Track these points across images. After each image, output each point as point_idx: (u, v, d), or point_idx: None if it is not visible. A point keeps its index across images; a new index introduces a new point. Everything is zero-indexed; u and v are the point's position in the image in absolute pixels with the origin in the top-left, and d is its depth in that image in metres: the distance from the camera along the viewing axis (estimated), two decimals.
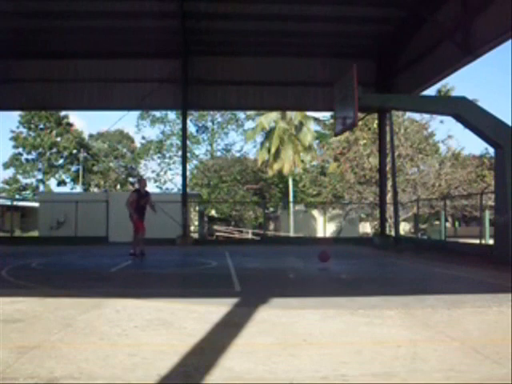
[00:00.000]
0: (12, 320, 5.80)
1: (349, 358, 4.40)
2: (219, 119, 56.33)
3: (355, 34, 22.02)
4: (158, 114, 55.56)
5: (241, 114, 55.70)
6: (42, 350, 4.58)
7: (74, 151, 59.12)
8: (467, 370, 4.05)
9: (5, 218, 36.79)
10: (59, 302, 7.07)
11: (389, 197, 26.72)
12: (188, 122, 41.99)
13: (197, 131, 56.74)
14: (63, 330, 5.42)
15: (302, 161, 49.47)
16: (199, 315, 6.28)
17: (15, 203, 42.38)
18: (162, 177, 58.38)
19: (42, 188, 58.28)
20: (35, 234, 32.57)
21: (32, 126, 57.51)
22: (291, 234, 39.96)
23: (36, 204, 32.06)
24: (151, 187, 57.67)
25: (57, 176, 59.85)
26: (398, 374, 3.93)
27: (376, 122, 27.98)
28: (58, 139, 58.08)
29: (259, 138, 52.19)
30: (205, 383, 3.72)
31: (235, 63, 23.47)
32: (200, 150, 57.97)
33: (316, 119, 49.03)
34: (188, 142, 40.42)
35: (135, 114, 53.72)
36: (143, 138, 62.05)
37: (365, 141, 36.40)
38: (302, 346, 4.90)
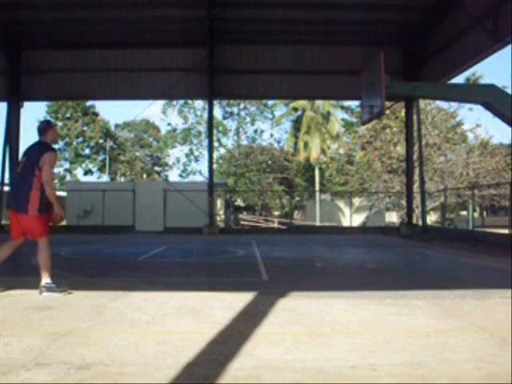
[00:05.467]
0: (44, 307, 5.89)
1: (377, 347, 4.39)
2: (250, 108, 55.56)
3: (382, 22, 21.82)
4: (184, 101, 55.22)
5: (269, 103, 55.21)
6: (74, 336, 4.65)
7: (101, 141, 59.50)
8: (497, 360, 4.02)
9: None
10: (88, 289, 7.15)
11: (416, 186, 26.50)
12: (216, 108, 41.87)
13: (224, 118, 56.15)
14: (93, 317, 5.50)
15: (329, 148, 49.23)
16: (227, 304, 6.30)
17: None
18: (189, 166, 58.30)
19: (68, 177, 58.74)
20: (63, 222, 32.85)
21: (59, 115, 57.94)
22: (317, 223, 39.83)
23: (63, 193, 32.33)
24: (177, 176, 57.62)
25: (83, 165, 60.34)
26: (428, 364, 3.91)
27: (403, 110, 27.74)
28: (85, 129, 58.47)
29: (287, 126, 52.08)
30: (234, 370, 3.74)
31: (261, 52, 23.43)
32: (227, 140, 57.64)
33: (343, 107, 48.75)
34: (214, 131, 40.40)
35: (161, 102, 53.56)
36: (169, 124, 61.85)
37: (394, 129, 36.10)
38: (331, 334, 4.90)
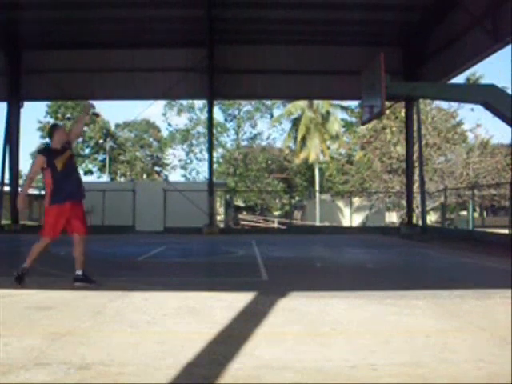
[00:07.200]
0: (43, 307, 5.89)
1: (377, 347, 4.39)
2: (249, 107, 55.28)
3: (382, 22, 21.83)
4: (185, 102, 55.18)
5: (268, 102, 55.05)
6: (74, 336, 4.65)
7: (101, 141, 59.42)
8: (497, 360, 4.01)
9: (33, 207, 37.19)
10: (88, 289, 7.15)
11: (416, 186, 26.52)
12: (216, 109, 41.70)
13: (225, 120, 56.05)
14: (93, 317, 5.49)
15: (328, 148, 49.20)
16: (227, 303, 6.29)
17: (43, 192, 42.76)
18: (189, 166, 58.13)
19: None
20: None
21: (59, 115, 57.85)
22: (317, 223, 39.84)
23: None
24: (177, 176, 57.39)
25: (83, 165, 60.26)
26: (428, 364, 3.91)
27: (403, 110, 27.75)
28: (85, 129, 58.37)
29: (286, 126, 51.97)
30: (234, 370, 3.73)
31: (261, 52, 23.43)
32: (227, 139, 57.42)
33: (343, 107, 48.72)
34: (214, 131, 40.33)
35: (162, 101, 53.46)
36: (169, 125, 61.76)
37: (393, 129, 36.10)
38: (331, 334, 4.90)
